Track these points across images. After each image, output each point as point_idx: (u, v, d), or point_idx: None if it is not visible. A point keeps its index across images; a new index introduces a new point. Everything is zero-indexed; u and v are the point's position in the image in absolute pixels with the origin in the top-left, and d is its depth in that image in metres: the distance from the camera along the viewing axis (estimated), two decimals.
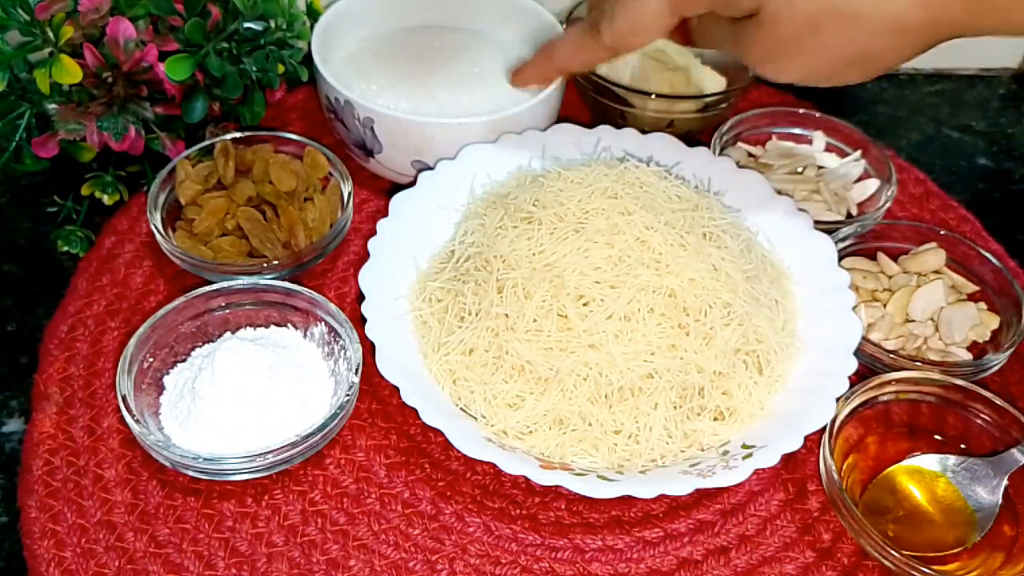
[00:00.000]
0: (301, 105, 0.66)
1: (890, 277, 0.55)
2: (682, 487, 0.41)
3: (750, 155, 0.62)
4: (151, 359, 0.47)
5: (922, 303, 0.52)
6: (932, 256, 0.55)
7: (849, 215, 0.59)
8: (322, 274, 0.55)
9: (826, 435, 0.45)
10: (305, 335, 0.49)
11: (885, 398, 0.48)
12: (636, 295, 0.45)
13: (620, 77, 0.63)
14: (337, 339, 0.48)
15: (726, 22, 0.41)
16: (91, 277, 0.54)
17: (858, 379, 0.47)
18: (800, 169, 0.61)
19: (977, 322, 0.52)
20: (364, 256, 0.50)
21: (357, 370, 0.46)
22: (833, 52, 0.38)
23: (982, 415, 0.47)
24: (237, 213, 0.52)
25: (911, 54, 0.38)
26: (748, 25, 0.39)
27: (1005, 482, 0.45)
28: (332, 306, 0.48)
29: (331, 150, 0.56)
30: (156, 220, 0.51)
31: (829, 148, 0.63)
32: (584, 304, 0.45)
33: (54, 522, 0.43)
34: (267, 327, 0.50)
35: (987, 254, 0.54)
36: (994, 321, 0.53)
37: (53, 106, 0.51)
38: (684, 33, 0.46)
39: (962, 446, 0.48)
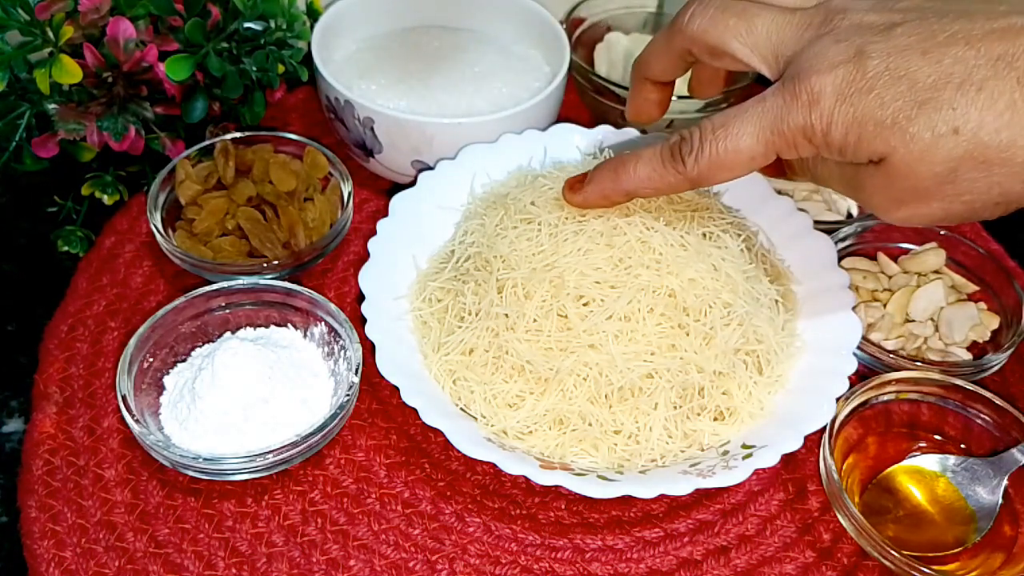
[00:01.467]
0: (301, 105, 0.66)
1: (890, 277, 0.55)
2: (682, 487, 0.41)
3: None
4: (151, 359, 0.47)
5: (922, 303, 0.52)
6: (932, 256, 0.55)
7: (849, 215, 0.59)
8: (322, 274, 0.55)
9: (826, 435, 0.45)
10: (305, 335, 0.49)
11: (885, 398, 0.48)
12: (636, 295, 0.45)
13: (620, 77, 0.63)
14: (337, 339, 0.48)
15: (838, 163, 0.38)
16: (91, 277, 0.54)
17: (858, 379, 0.47)
18: None
19: (977, 322, 0.52)
20: (364, 256, 0.50)
21: (357, 370, 0.46)
22: (973, 197, 0.35)
23: (982, 415, 0.47)
24: (237, 213, 0.52)
25: None
26: (871, 171, 0.36)
27: (1005, 482, 0.45)
28: (332, 306, 0.48)
29: (331, 150, 0.56)
30: (156, 220, 0.51)
31: None
32: (584, 304, 0.45)
33: (54, 522, 0.43)
34: (267, 327, 0.50)
35: (987, 254, 0.54)
36: (994, 321, 0.53)
37: (53, 106, 0.51)
38: (779, 167, 0.43)
39: (962, 446, 0.48)
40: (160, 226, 0.51)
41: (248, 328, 0.50)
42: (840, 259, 0.52)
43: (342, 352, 0.48)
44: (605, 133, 0.58)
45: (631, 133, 0.58)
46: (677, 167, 0.40)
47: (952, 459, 0.46)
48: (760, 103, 0.38)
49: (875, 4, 0.38)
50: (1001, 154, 0.34)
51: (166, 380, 0.47)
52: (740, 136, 0.38)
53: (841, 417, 0.46)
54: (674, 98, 0.60)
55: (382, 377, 0.44)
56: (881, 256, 0.56)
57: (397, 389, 0.44)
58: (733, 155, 0.38)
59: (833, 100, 0.36)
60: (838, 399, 0.45)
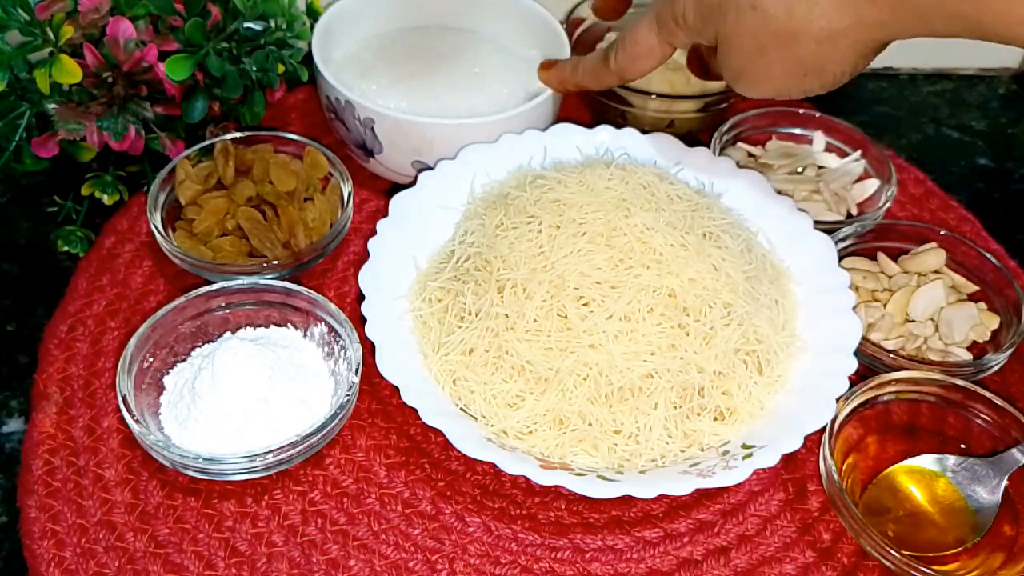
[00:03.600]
0: (301, 105, 0.66)
1: (890, 277, 0.55)
2: (682, 487, 0.41)
3: (750, 155, 0.62)
4: (151, 359, 0.47)
5: (922, 303, 0.52)
6: (932, 256, 0.55)
7: (849, 215, 0.59)
8: (322, 274, 0.55)
9: (826, 435, 0.45)
10: (305, 335, 0.49)
11: (885, 398, 0.48)
12: (636, 295, 0.45)
13: None
14: (337, 339, 0.48)
15: (713, 48, 0.45)
16: (91, 277, 0.54)
17: (858, 379, 0.47)
18: (800, 169, 0.61)
19: (977, 322, 0.52)
20: (364, 256, 0.50)
21: (357, 370, 0.46)
22: (784, 68, 0.41)
23: (982, 415, 0.47)
24: (237, 213, 0.52)
25: (859, 59, 0.40)
26: (719, 50, 0.44)
27: (1005, 482, 0.45)
28: (332, 306, 0.48)
29: (331, 150, 0.56)
30: (156, 220, 0.51)
31: (829, 148, 0.63)
32: (584, 304, 0.45)
33: (54, 522, 0.43)
34: (267, 327, 0.50)
35: (987, 254, 0.54)
36: (994, 321, 0.53)
37: (53, 106, 0.51)
38: (700, 66, 0.54)
39: (962, 446, 0.48)
40: (160, 226, 0.51)
41: (248, 328, 0.50)
42: (840, 259, 0.52)
43: (342, 352, 0.48)
44: (605, 133, 0.58)
45: (632, 133, 0.58)
46: (608, 64, 0.50)
47: (952, 459, 0.46)
48: (651, 7, 0.47)
49: None
50: (786, 24, 0.39)
51: (166, 380, 0.47)
52: (638, 32, 0.48)
53: (841, 417, 0.46)
54: (674, 98, 0.60)
55: (382, 377, 0.44)
56: (881, 256, 0.56)
57: (397, 389, 0.44)
58: (638, 48, 0.48)
59: None
60: (838, 399, 0.45)
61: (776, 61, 0.41)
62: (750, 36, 0.41)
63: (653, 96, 0.60)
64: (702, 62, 0.53)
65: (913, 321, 0.53)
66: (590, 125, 0.58)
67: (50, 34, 0.50)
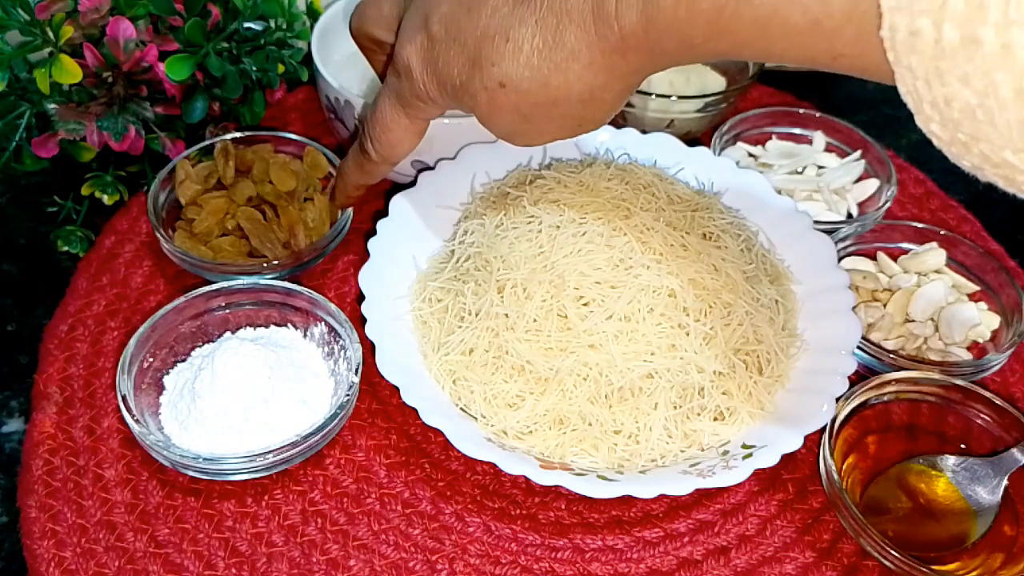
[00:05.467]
0: (301, 105, 0.66)
1: (890, 277, 0.55)
2: (682, 487, 0.41)
3: (750, 155, 0.62)
4: (151, 359, 0.47)
5: (922, 303, 0.52)
6: (932, 256, 0.55)
7: (849, 215, 0.59)
8: (322, 274, 0.55)
9: (826, 435, 0.45)
10: (305, 335, 0.49)
11: (885, 398, 0.48)
12: (636, 295, 0.45)
13: None
14: (337, 339, 0.48)
15: None
16: (91, 277, 0.54)
17: (858, 379, 0.47)
18: (800, 169, 0.61)
19: (977, 322, 0.52)
20: (364, 256, 0.50)
21: (357, 370, 0.46)
22: (556, 125, 0.38)
23: (982, 415, 0.47)
24: (237, 213, 0.52)
25: (625, 97, 0.38)
26: (481, 121, 0.40)
27: (1005, 482, 0.45)
28: (332, 306, 0.48)
29: (331, 150, 0.56)
30: (156, 220, 0.51)
31: (829, 148, 0.63)
32: (584, 304, 0.45)
33: (54, 522, 0.43)
34: (267, 327, 0.50)
35: (987, 254, 0.54)
36: (994, 321, 0.53)
37: (53, 106, 0.51)
38: None
39: (962, 446, 0.48)
40: (160, 226, 0.51)
41: (248, 328, 0.50)
42: (840, 259, 0.52)
43: (342, 352, 0.48)
44: (605, 133, 0.58)
45: (631, 133, 0.58)
46: (368, 157, 0.46)
47: (952, 459, 0.46)
48: (386, 83, 0.43)
49: None
50: (545, 96, 0.36)
51: (166, 380, 0.47)
52: (385, 115, 0.43)
53: (841, 417, 0.46)
54: (674, 98, 0.60)
55: (382, 377, 0.44)
56: (881, 256, 0.56)
57: (397, 389, 0.44)
58: (390, 132, 0.44)
59: (420, 69, 0.40)
60: (838, 399, 0.45)
61: (545, 122, 0.38)
62: (510, 110, 0.37)
63: (653, 96, 0.60)
64: None
65: (913, 321, 0.53)
66: None
67: (50, 34, 0.50)
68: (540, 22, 0.35)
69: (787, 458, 0.44)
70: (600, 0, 0.33)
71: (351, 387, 0.45)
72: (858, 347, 0.49)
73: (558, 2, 0.34)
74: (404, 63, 0.40)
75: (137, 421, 0.43)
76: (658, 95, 0.60)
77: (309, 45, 0.58)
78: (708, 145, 0.59)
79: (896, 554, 0.41)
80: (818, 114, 0.63)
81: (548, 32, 0.35)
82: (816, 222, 0.54)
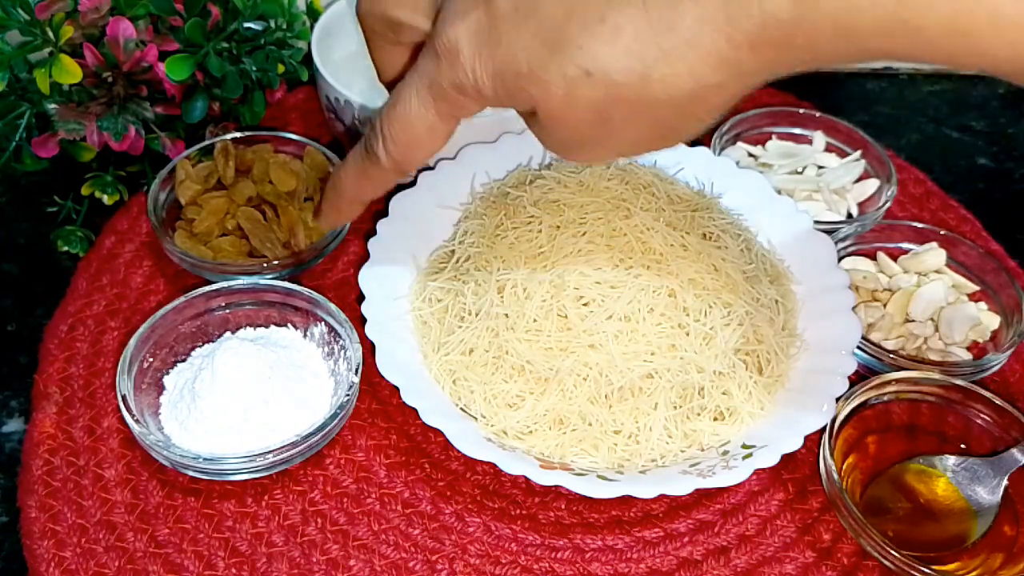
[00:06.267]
0: (301, 105, 0.66)
1: (890, 277, 0.55)
2: (682, 487, 0.41)
3: (750, 155, 0.62)
4: (151, 359, 0.47)
5: (922, 303, 0.52)
6: (932, 256, 0.55)
7: (849, 215, 0.59)
8: (322, 274, 0.55)
9: (826, 435, 0.45)
10: (305, 335, 0.49)
11: (885, 398, 0.48)
12: (636, 295, 0.45)
13: None
14: (337, 339, 0.48)
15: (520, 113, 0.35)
16: (91, 277, 0.54)
17: (858, 379, 0.47)
18: (800, 169, 0.61)
19: (977, 322, 0.52)
20: (364, 256, 0.50)
21: (357, 370, 0.46)
22: (635, 134, 0.32)
23: (982, 415, 0.47)
24: (237, 213, 0.52)
25: (731, 102, 0.31)
26: (535, 120, 0.33)
27: (1005, 482, 0.45)
28: (332, 306, 0.48)
29: (331, 150, 0.56)
30: (156, 220, 0.51)
31: (829, 148, 0.63)
32: (584, 304, 0.45)
33: (54, 522, 0.43)
34: (267, 327, 0.50)
35: (987, 254, 0.54)
36: (994, 321, 0.53)
37: (53, 106, 0.51)
38: None
39: (962, 446, 0.48)
40: (160, 226, 0.51)
41: (248, 328, 0.50)
42: (840, 259, 0.52)
43: (342, 352, 0.48)
44: None
45: None
46: (374, 162, 0.37)
47: (952, 459, 0.46)
48: (415, 70, 0.35)
49: None
50: (641, 92, 0.30)
51: (166, 380, 0.47)
52: (408, 110, 0.35)
53: (841, 417, 0.46)
54: None
55: (382, 377, 0.44)
56: (881, 256, 0.56)
57: (397, 389, 0.44)
58: (412, 130, 0.35)
59: (471, 52, 0.32)
60: (838, 399, 0.45)
61: (626, 128, 0.32)
62: (587, 107, 0.31)
63: None
64: None
65: (913, 321, 0.53)
66: None
67: (50, 34, 0.50)
68: (648, 1, 0.29)
69: (787, 458, 0.44)
70: None
71: (351, 387, 0.45)
72: (858, 347, 0.49)
73: None
74: (450, 44, 0.33)
75: (137, 421, 0.43)
76: None
77: (309, 45, 0.58)
78: (708, 145, 0.59)
79: (896, 554, 0.41)
80: (818, 114, 0.63)
81: (660, 10, 0.29)
82: (816, 222, 0.54)
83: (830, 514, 0.46)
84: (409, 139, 0.36)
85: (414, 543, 0.44)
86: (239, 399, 0.44)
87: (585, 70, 0.30)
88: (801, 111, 0.63)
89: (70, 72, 0.50)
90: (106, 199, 0.57)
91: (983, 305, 0.54)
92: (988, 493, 0.45)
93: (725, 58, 0.29)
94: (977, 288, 0.54)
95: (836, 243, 0.53)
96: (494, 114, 0.54)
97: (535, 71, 0.31)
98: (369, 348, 0.46)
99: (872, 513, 0.45)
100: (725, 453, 0.44)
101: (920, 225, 0.57)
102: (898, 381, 0.48)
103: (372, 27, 0.39)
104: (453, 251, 0.51)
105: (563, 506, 0.45)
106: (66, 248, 0.56)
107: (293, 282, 0.50)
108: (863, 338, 0.49)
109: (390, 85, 0.40)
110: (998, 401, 0.47)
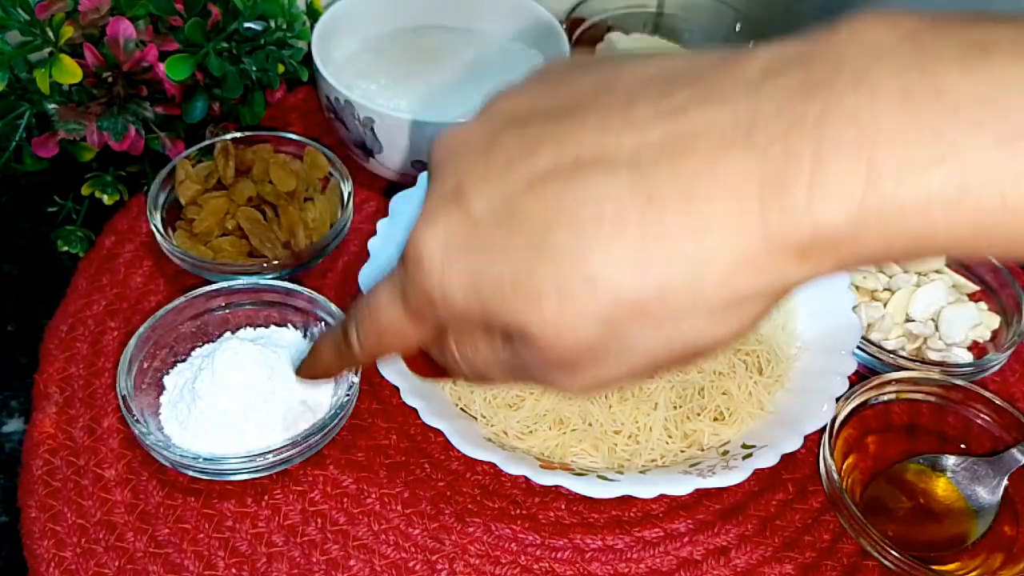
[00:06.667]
0: (301, 105, 0.66)
1: (890, 277, 0.55)
2: (682, 487, 0.41)
3: None
4: (151, 359, 0.47)
5: (922, 303, 0.52)
6: None
7: None
8: (322, 274, 0.55)
9: (826, 435, 0.45)
10: (305, 335, 0.49)
11: (885, 398, 0.48)
12: None
13: None
14: None
15: (483, 338, 0.29)
16: (91, 277, 0.54)
17: (858, 379, 0.47)
18: None
19: (977, 322, 0.52)
20: (364, 256, 0.50)
21: (357, 370, 0.46)
22: (654, 350, 0.26)
23: (982, 415, 0.47)
24: (237, 213, 0.52)
25: (767, 313, 0.26)
26: (519, 342, 0.27)
27: (1005, 482, 0.45)
28: (332, 306, 0.48)
29: (331, 150, 0.56)
30: (156, 220, 0.51)
31: None
32: None
33: (54, 522, 0.43)
34: (267, 327, 0.50)
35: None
36: (994, 321, 0.53)
37: (53, 106, 0.51)
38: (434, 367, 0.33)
39: (962, 446, 0.48)
40: (160, 226, 0.51)
41: (248, 328, 0.50)
42: None
43: None
44: None
45: None
46: (349, 346, 0.33)
47: (952, 459, 0.46)
48: (392, 271, 0.31)
49: (477, 115, 0.30)
50: (656, 302, 0.24)
51: (166, 380, 0.47)
52: (379, 310, 0.31)
53: (841, 417, 0.46)
54: None
55: (382, 377, 0.44)
56: None
57: (397, 389, 0.44)
58: (383, 331, 0.31)
59: (440, 260, 0.27)
60: (838, 399, 0.45)
61: (636, 342, 0.25)
62: (590, 320, 0.25)
63: None
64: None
65: (913, 321, 0.53)
66: None
67: (50, 34, 0.50)
68: (655, 196, 0.23)
69: (787, 458, 0.44)
70: (777, 175, 0.22)
71: (351, 387, 0.45)
72: (858, 347, 0.49)
73: (690, 165, 0.23)
74: (415, 251, 0.28)
75: (137, 421, 0.43)
76: None
77: (309, 45, 0.58)
78: None
79: (896, 554, 0.41)
80: None
81: (671, 206, 0.23)
82: None
83: (830, 514, 0.46)
84: (380, 339, 0.32)
85: (414, 543, 0.44)
86: (239, 399, 0.44)
87: (584, 279, 0.24)
88: None
89: (70, 72, 0.50)
90: (106, 199, 0.57)
91: (983, 305, 0.54)
92: (988, 493, 0.45)
93: (763, 267, 0.23)
94: (977, 288, 0.54)
95: None
96: None
97: (521, 282, 0.25)
98: None
99: (872, 513, 0.45)
100: (725, 453, 0.44)
101: None
102: (898, 381, 0.48)
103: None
104: None
105: (563, 506, 0.45)
106: (66, 248, 0.56)
107: (293, 282, 0.50)
108: (863, 338, 0.49)
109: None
110: (998, 401, 0.47)
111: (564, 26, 0.61)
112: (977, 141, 0.21)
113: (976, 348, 0.52)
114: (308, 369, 0.39)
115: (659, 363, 0.26)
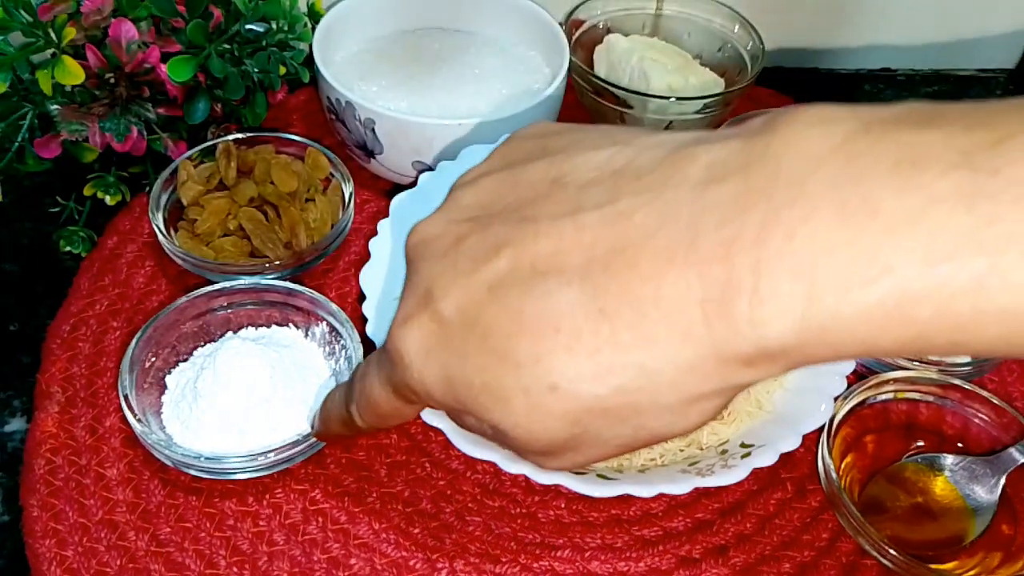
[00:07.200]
0: (302, 106, 0.66)
1: None
2: (681, 486, 0.42)
3: None
4: (153, 358, 0.47)
5: None
6: None
7: None
8: (323, 274, 0.55)
9: (824, 434, 0.45)
10: (306, 335, 0.50)
11: (883, 397, 0.48)
12: None
13: (619, 78, 0.63)
14: (338, 339, 0.48)
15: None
16: (93, 277, 0.54)
17: (856, 378, 0.47)
18: None
19: None
20: (365, 256, 0.50)
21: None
22: (617, 441, 0.28)
23: (980, 414, 0.48)
24: (239, 214, 0.52)
25: (725, 406, 0.28)
26: (496, 434, 0.29)
27: (1003, 481, 0.45)
28: (333, 306, 0.48)
29: (332, 151, 0.56)
30: (158, 220, 0.52)
31: None
32: None
33: (56, 521, 0.43)
34: (269, 327, 0.50)
35: None
36: None
37: (55, 107, 0.52)
38: None
39: (960, 445, 0.48)
40: (162, 226, 0.52)
41: (250, 328, 0.50)
42: None
43: (343, 351, 0.48)
44: None
45: None
46: (353, 420, 0.36)
47: (950, 458, 0.47)
48: (379, 356, 0.33)
49: (445, 205, 0.32)
50: (618, 403, 0.26)
51: (168, 379, 0.47)
52: (372, 391, 0.33)
53: (839, 416, 0.46)
54: (673, 99, 0.60)
55: None
56: None
57: None
58: (378, 409, 0.34)
59: (418, 359, 0.29)
60: (836, 398, 0.45)
61: (604, 435, 0.27)
62: (556, 419, 0.27)
63: (652, 97, 0.60)
64: None
65: None
66: None
67: (52, 35, 0.50)
68: (606, 308, 0.25)
69: (785, 457, 0.44)
70: (720, 292, 0.24)
71: None
72: None
73: (637, 279, 0.25)
74: (394, 349, 0.30)
75: (139, 420, 0.43)
76: (657, 96, 0.60)
77: (311, 47, 0.58)
78: None
79: (894, 553, 0.41)
80: None
81: (621, 320, 0.25)
82: None
83: (828, 513, 0.46)
84: (377, 416, 0.34)
85: (414, 542, 0.44)
86: (241, 398, 0.44)
87: (548, 384, 0.26)
88: None
89: (72, 73, 0.50)
90: (108, 199, 0.57)
91: None
92: (986, 492, 0.45)
93: (712, 373, 0.25)
94: None
95: None
96: (494, 114, 0.54)
97: (489, 384, 0.27)
98: (370, 348, 0.46)
99: (870, 512, 0.45)
100: (724, 452, 0.45)
101: None
102: (896, 380, 0.48)
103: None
104: None
105: (563, 505, 0.46)
106: (68, 248, 0.56)
107: (294, 282, 0.50)
108: None
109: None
110: (996, 400, 0.47)
111: (564, 28, 0.62)
112: (910, 259, 0.21)
113: None
114: (323, 428, 0.41)
115: (631, 447, 0.28)
